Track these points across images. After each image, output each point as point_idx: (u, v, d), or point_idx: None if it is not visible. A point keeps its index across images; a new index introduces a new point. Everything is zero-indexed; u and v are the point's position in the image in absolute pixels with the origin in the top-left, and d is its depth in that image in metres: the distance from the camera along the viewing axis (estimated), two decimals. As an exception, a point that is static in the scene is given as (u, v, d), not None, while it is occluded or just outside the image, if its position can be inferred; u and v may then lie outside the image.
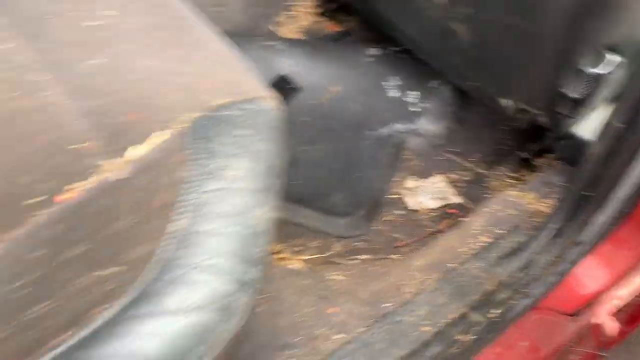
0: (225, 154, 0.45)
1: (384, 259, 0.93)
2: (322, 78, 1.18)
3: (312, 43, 1.26)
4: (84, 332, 0.36)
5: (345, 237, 0.98)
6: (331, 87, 1.17)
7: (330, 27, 1.31)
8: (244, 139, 0.46)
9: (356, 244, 0.98)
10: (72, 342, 0.36)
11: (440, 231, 0.99)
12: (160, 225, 0.40)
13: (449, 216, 1.03)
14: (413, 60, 1.17)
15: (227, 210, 0.42)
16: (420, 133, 1.14)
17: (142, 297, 0.37)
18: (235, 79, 0.52)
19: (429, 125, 1.15)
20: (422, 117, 1.15)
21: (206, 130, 0.46)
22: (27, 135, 0.48)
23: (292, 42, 1.23)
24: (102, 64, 0.52)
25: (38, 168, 0.46)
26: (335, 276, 0.76)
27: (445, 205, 1.05)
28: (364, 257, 0.95)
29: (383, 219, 1.03)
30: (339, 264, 0.88)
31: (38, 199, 0.45)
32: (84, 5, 0.56)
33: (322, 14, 1.33)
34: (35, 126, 0.49)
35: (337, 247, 0.97)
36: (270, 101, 0.51)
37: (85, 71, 0.52)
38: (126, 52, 0.52)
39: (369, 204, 1.04)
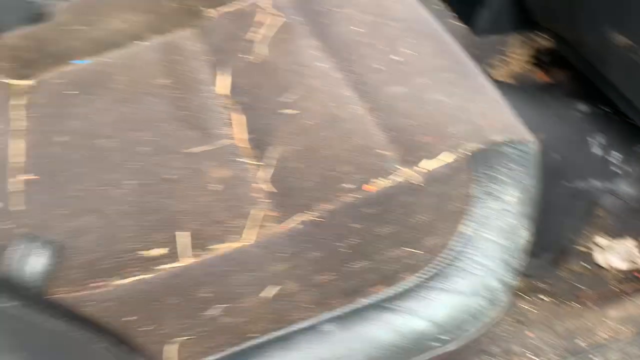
0: (502, 182, 0.56)
1: (565, 304, 0.98)
2: (527, 123, 1.26)
3: (522, 89, 1.34)
4: (391, 291, 0.50)
5: (529, 276, 1.04)
6: (535, 133, 1.24)
7: (541, 76, 1.38)
8: (516, 172, 0.57)
9: (538, 284, 1.04)
10: (381, 296, 0.50)
11: (625, 292, 1.01)
12: (452, 225, 0.53)
13: (636, 280, 1.05)
14: (622, 122, 1.19)
15: (502, 226, 0.53)
16: (618, 194, 1.16)
17: (437, 275, 0.50)
18: (509, 121, 0.63)
19: (628, 188, 1.17)
20: (622, 179, 1.17)
21: (486, 159, 0.58)
22: (345, 137, 0.64)
23: (502, 85, 1.32)
24: (402, 92, 0.66)
25: (352, 162, 0.61)
26: (529, 306, 0.84)
27: (634, 269, 1.07)
28: (544, 298, 1.01)
29: (567, 267, 1.08)
30: (524, 297, 0.95)
31: (350, 185, 0.60)
32: (388, 42, 0.71)
33: (535, 63, 1.40)
34: (349, 131, 0.64)
35: (520, 283, 1.03)
36: (534, 145, 0.62)
37: (388, 95, 0.66)
38: (421, 85, 0.66)
39: (555, 250, 1.09)
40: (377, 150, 0.62)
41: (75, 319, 0.42)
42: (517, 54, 1.41)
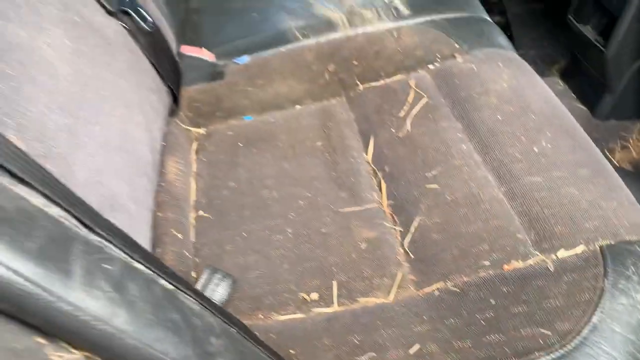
0: (632, 279, 0.61)
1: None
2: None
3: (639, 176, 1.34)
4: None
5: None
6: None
7: (662, 165, 1.38)
8: (646, 272, 0.62)
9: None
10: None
11: None
12: (583, 314, 0.58)
13: None
14: None
15: (630, 321, 0.58)
16: None
17: (566, 357, 0.56)
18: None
19: None
20: None
21: (618, 256, 0.63)
22: (484, 217, 0.71)
23: (620, 171, 1.34)
24: (539, 182, 0.73)
25: (490, 242, 0.68)
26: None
27: None
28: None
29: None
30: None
31: (487, 263, 0.67)
32: (528, 133, 0.79)
33: (656, 151, 1.40)
34: (488, 212, 0.72)
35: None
36: (665, 247, 0.66)
37: (526, 183, 0.73)
38: (558, 178, 0.72)
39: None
40: (514, 234, 0.69)
41: (262, 345, 0.52)
42: (637, 141, 1.42)
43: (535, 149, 0.77)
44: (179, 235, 0.75)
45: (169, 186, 0.81)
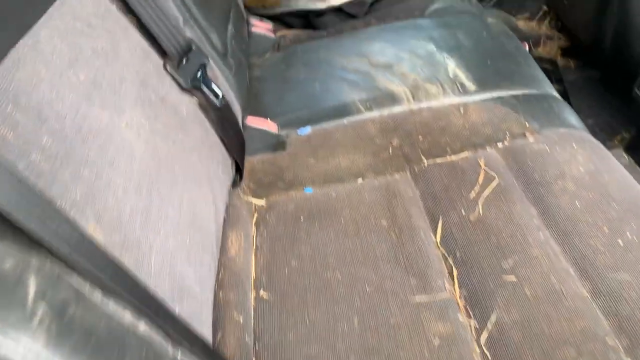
0: None
1: None
2: None
3: None
4: None
5: None
6: None
7: None
8: None
9: None
10: None
11: None
12: None
13: None
14: None
15: None
16: None
17: None
18: None
19: None
20: None
21: None
22: (567, 316, 0.66)
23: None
24: (627, 279, 0.67)
25: (575, 345, 0.63)
26: None
27: None
28: None
29: None
30: None
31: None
32: (610, 223, 0.74)
33: None
34: (572, 310, 0.66)
35: None
36: None
37: (613, 280, 0.68)
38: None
39: None
40: (603, 337, 0.63)
41: None
42: None
43: (620, 242, 0.72)
44: (240, 319, 0.72)
45: (230, 263, 0.79)
